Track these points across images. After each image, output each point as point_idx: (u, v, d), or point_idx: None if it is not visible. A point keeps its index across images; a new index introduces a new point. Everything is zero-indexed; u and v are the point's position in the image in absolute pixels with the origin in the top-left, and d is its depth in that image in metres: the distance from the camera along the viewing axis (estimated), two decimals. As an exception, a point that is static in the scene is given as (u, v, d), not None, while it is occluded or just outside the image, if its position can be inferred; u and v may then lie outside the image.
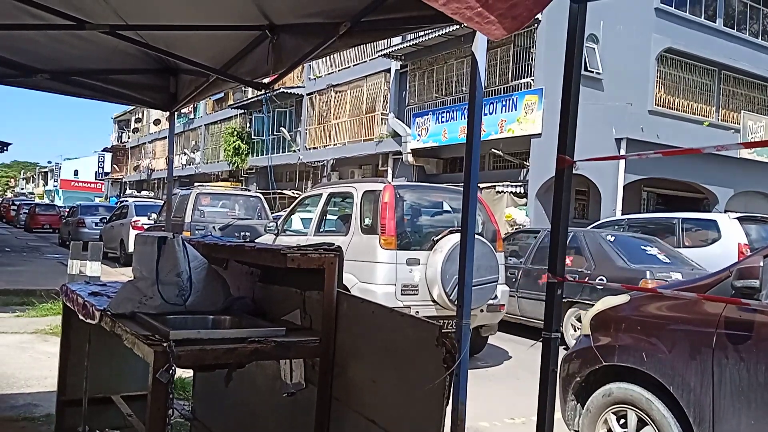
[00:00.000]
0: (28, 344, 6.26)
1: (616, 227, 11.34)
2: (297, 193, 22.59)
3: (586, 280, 7.51)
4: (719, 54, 20.03)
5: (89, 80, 4.38)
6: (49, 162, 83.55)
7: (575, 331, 7.81)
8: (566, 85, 1.73)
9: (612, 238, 8.21)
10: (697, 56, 19.67)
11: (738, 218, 9.50)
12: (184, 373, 4.38)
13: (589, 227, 11.79)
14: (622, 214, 14.09)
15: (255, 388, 2.97)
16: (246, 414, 3.12)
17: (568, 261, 8.22)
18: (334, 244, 2.56)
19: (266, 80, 3.98)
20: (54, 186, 73.19)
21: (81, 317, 3.00)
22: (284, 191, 27.16)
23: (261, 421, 2.98)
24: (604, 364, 3.46)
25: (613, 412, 3.46)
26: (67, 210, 27.45)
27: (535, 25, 16.66)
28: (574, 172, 1.85)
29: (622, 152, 14.75)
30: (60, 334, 4.00)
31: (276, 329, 2.40)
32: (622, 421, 3.43)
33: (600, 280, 7.49)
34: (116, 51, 3.85)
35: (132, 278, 2.93)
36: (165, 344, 2.08)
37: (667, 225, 10.26)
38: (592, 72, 16.77)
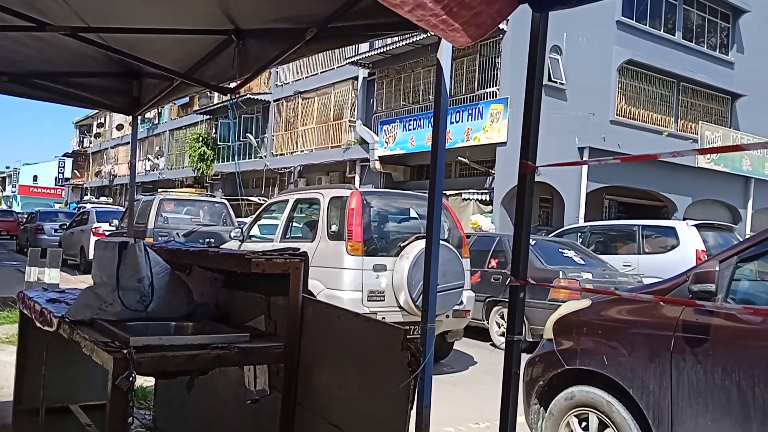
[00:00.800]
0: (-17, 354, 6.07)
1: (579, 234, 11.55)
2: (263, 200, 22.43)
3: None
4: (678, 66, 20.59)
5: (50, 83, 4.29)
6: (7, 167, 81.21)
7: (499, 327, 8.53)
8: (528, 92, 1.76)
9: (533, 242, 8.99)
10: (657, 68, 20.19)
11: (696, 225, 9.77)
12: (145, 382, 4.31)
13: (551, 234, 11.99)
14: (585, 221, 14.36)
15: (218, 396, 2.93)
16: (209, 422, 3.08)
17: (493, 263, 8.57)
18: (299, 249, 2.55)
19: (232, 85, 3.96)
20: (12, 191, 71.21)
21: (38, 325, 2.93)
22: (251, 198, 26.94)
23: (224, 429, 2.94)
24: (566, 367, 3.51)
25: (575, 415, 3.51)
26: (26, 216, 26.76)
27: (501, 35, 16.91)
28: (538, 179, 1.88)
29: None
30: (16, 343, 3.89)
31: (240, 335, 2.38)
32: (584, 423, 3.48)
33: None
34: (78, 53, 3.78)
35: (92, 284, 2.87)
36: (125, 351, 2.05)
37: (628, 232, 10.50)
38: (556, 82, 17.07)
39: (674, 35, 21.16)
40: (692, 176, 18.14)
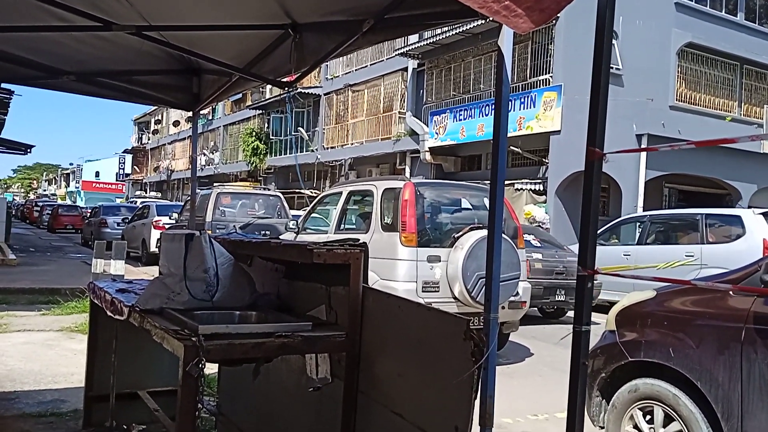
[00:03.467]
0: (55, 341, 6.36)
1: (639, 223, 11.24)
2: (315, 193, 22.69)
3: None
4: (741, 48, 19.73)
5: (114, 81, 4.43)
6: (71, 164, 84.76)
7: None
8: (595, 76, 1.72)
9: None
10: (718, 51, 19.40)
11: (763, 213, 9.35)
12: (208, 370, 4.43)
13: (608, 224, 11.71)
14: (644, 211, 13.96)
15: (280, 384, 2.99)
16: (271, 409, 3.14)
17: None
18: (359, 240, 2.57)
19: (287, 79, 4.01)
20: (76, 187, 74.23)
21: (109, 314, 3.05)
22: (303, 191, 27.29)
23: (287, 415, 3.00)
24: (629, 359, 3.43)
25: (639, 408, 3.43)
26: (90, 211, 27.82)
27: (554, 21, 16.54)
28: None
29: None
30: (86, 331, 4.06)
31: (302, 324, 2.42)
32: (648, 417, 3.40)
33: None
34: (140, 52, 3.89)
35: (159, 275, 2.96)
36: (194, 338, 2.11)
37: (690, 221, 10.14)
38: (612, 68, 16.58)
39: (736, 16, 20.28)
40: (757, 162, 17.39)
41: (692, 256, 9.55)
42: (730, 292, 3.08)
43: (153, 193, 44.74)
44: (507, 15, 1.80)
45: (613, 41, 13.57)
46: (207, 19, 3.41)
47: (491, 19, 1.88)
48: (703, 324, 3.15)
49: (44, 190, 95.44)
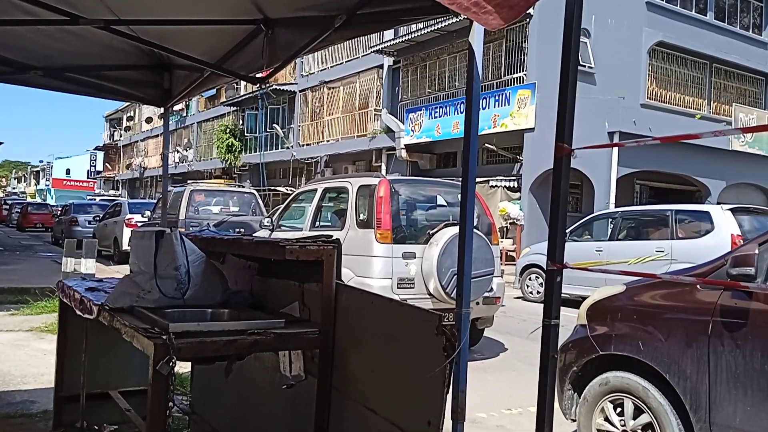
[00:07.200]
0: (24, 342, 6.24)
1: (610, 220, 11.39)
2: (291, 190, 22.59)
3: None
4: (710, 47, 20.11)
5: (83, 76, 4.36)
6: (41, 161, 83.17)
7: None
8: (564, 72, 1.74)
9: None
10: (688, 50, 19.75)
11: (731, 209, 9.54)
12: (182, 368, 4.39)
13: (580, 221, 11.84)
14: (616, 207, 14.15)
15: (254, 382, 2.97)
16: (245, 407, 3.13)
17: None
18: (332, 237, 2.57)
19: (261, 74, 3.98)
20: (46, 185, 72.85)
21: (78, 313, 3.00)
22: (278, 188, 27.13)
23: (260, 413, 2.98)
24: (600, 353, 3.48)
25: (610, 401, 3.48)
26: (60, 209, 27.34)
27: (527, 19, 16.68)
28: (567, 164, 1.85)
29: (615, 146, 14.81)
30: (56, 331, 3.99)
31: (275, 321, 2.41)
32: (619, 409, 3.46)
33: None
34: (109, 47, 3.83)
35: (130, 273, 2.92)
36: (165, 337, 2.08)
37: (660, 217, 10.31)
38: (584, 66, 16.80)
39: (706, 15, 20.67)
40: (726, 160, 17.76)
41: (662, 251, 9.71)
42: (698, 286, 3.15)
43: (112, 192, 44.49)
44: (477, 12, 1.81)
45: (585, 40, 13.69)
46: (177, 13, 3.37)
47: (463, 16, 1.89)
48: (672, 317, 3.21)
49: (13, 188, 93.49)
